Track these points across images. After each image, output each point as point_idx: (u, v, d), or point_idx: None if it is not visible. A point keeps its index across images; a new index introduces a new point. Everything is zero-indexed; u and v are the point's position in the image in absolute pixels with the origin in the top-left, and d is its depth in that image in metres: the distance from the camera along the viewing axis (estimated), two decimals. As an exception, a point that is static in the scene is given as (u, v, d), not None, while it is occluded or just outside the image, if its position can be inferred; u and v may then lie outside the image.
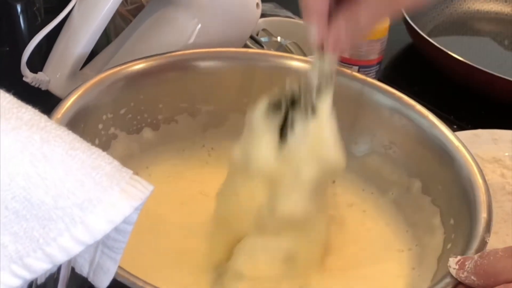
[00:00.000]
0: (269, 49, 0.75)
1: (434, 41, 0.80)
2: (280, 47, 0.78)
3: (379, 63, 0.73)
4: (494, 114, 0.79)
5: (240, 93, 0.61)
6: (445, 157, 0.54)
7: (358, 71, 0.68)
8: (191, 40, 0.62)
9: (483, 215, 0.48)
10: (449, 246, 0.49)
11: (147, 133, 0.59)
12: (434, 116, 0.57)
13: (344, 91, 0.58)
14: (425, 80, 0.85)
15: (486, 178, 0.68)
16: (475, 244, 0.46)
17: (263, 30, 0.78)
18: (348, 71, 0.61)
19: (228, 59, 0.60)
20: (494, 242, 0.60)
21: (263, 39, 0.77)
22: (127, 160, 0.57)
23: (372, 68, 0.72)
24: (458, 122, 0.78)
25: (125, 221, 0.35)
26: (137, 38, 0.64)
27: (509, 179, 0.68)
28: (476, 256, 0.43)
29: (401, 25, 0.85)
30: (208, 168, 0.60)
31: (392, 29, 0.78)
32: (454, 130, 0.73)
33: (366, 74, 0.69)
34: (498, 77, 0.76)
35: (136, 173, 0.55)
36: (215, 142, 0.61)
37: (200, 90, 0.60)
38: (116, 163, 0.34)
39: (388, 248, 0.54)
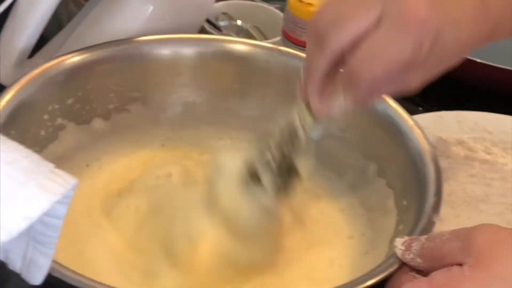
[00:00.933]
0: (228, 33, 0.73)
1: None
2: (241, 31, 0.76)
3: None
4: (462, 96, 0.78)
5: (193, 80, 0.60)
6: (400, 139, 0.53)
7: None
8: (144, 25, 0.61)
9: (432, 195, 0.47)
10: (400, 227, 0.49)
11: (98, 123, 0.58)
12: (390, 98, 0.55)
13: (299, 76, 0.57)
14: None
15: (449, 160, 0.68)
16: (422, 224, 0.45)
17: (223, 13, 0.77)
18: (302, 53, 0.60)
19: (180, 45, 0.59)
20: (455, 225, 0.59)
21: (222, 23, 0.75)
22: (77, 151, 0.56)
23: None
24: (424, 104, 0.77)
25: (52, 215, 0.34)
26: (88, 24, 0.62)
27: (472, 161, 0.68)
28: (423, 238, 0.42)
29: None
30: (162, 158, 0.59)
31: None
32: (419, 112, 0.73)
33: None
34: (466, 59, 0.75)
35: (86, 165, 0.57)
36: (170, 132, 0.60)
37: (152, 79, 0.59)
38: (35, 157, 0.33)
39: (338, 235, 0.53)
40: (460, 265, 0.39)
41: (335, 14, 0.42)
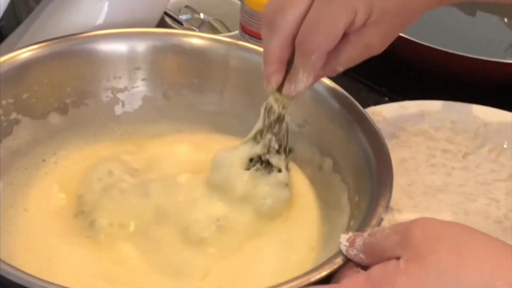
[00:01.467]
0: (190, 27, 0.73)
1: None
2: (203, 24, 0.76)
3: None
4: (429, 86, 0.79)
5: (151, 74, 0.59)
6: (354, 135, 0.53)
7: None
8: (100, 20, 0.61)
9: (383, 191, 0.47)
10: (352, 223, 0.49)
11: (54, 117, 0.57)
12: (346, 93, 0.56)
13: (257, 69, 0.57)
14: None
15: (411, 150, 0.68)
16: (372, 220, 0.45)
17: (186, 7, 0.77)
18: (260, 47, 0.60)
19: (137, 39, 0.59)
20: (413, 216, 0.59)
21: (185, 17, 0.75)
22: (33, 146, 0.56)
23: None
24: (390, 94, 0.77)
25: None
26: (44, 19, 0.62)
27: (434, 151, 0.68)
28: (365, 234, 0.43)
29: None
30: (121, 152, 0.58)
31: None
32: (385, 103, 0.74)
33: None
34: (430, 48, 0.76)
35: (42, 159, 0.56)
36: (128, 126, 0.60)
37: (110, 73, 0.58)
38: None
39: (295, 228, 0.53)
40: (399, 259, 0.40)
41: (280, 1, 0.47)
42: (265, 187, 0.52)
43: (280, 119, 0.52)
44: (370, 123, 0.53)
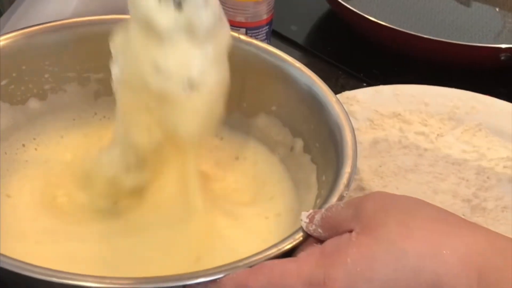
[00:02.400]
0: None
1: (351, 5, 0.82)
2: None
3: (268, 23, 0.72)
4: (406, 71, 0.80)
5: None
6: (322, 115, 0.55)
7: (246, 33, 0.68)
8: (78, 7, 0.62)
9: (347, 170, 0.49)
10: (318, 201, 0.50)
11: (34, 103, 0.59)
12: (316, 76, 0.57)
13: (230, 55, 0.59)
14: (342, 43, 0.86)
15: (385, 133, 0.70)
16: (333, 198, 0.47)
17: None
18: (235, 34, 0.61)
19: (110, 25, 0.60)
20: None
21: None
22: (13, 131, 0.58)
23: (262, 29, 0.72)
24: (368, 80, 0.79)
25: None
26: (25, 7, 0.64)
27: (407, 133, 0.70)
28: (323, 210, 0.44)
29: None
30: (100, 136, 0.60)
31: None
32: (362, 87, 0.75)
33: (256, 36, 0.70)
34: (407, 33, 0.78)
35: (22, 144, 0.58)
36: (107, 110, 0.61)
37: (87, 58, 0.60)
38: None
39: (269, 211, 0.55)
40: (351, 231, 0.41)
41: None
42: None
43: None
44: (336, 102, 0.54)
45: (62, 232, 0.51)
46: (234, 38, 0.60)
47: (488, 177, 0.65)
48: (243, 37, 0.61)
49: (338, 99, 0.55)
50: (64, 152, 0.58)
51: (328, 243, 0.42)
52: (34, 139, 0.59)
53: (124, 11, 0.64)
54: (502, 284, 0.37)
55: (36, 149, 0.58)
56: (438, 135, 0.70)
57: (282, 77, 0.58)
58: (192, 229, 0.51)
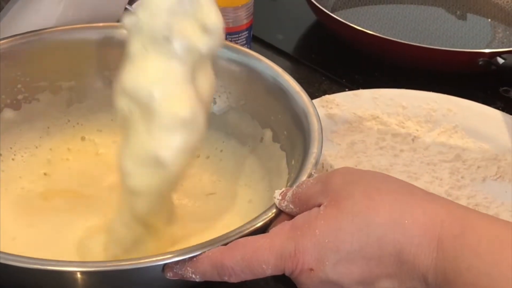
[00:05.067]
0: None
1: (337, 15, 0.84)
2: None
3: (248, 28, 0.74)
4: (387, 77, 0.82)
5: (99, 66, 0.63)
6: (288, 105, 0.56)
7: (226, 38, 0.70)
8: (60, 18, 0.63)
9: (313, 150, 0.50)
10: (289, 184, 0.51)
11: (8, 113, 0.60)
12: (280, 68, 0.59)
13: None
14: (326, 51, 0.88)
15: (362, 134, 0.71)
16: (302, 176, 0.48)
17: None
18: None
19: (86, 33, 0.62)
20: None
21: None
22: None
23: (242, 34, 0.74)
24: (350, 86, 0.80)
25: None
26: (9, 19, 0.65)
27: (384, 135, 0.71)
28: (294, 186, 0.46)
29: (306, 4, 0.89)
30: (74, 143, 0.62)
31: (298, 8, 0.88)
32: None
33: (236, 41, 0.71)
34: (387, 40, 0.79)
35: None
36: (80, 117, 0.63)
37: (59, 67, 0.62)
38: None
39: (240, 198, 0.57)
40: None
41: None
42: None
43: None
44: (301, 91, 0.56)
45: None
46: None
47: (462, 177, 0.66)
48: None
49: (301, 88, 0.56)
50: (43, 158, 0.60)
51: (298, 217, 0.43)
52: (11, 148, 0.60)
53: (104, 20, 0.66)
54: (459, 250, 0.38)
55: (13, 159, 0.60)
56: (415, 136, 0.71)
57: (247, 73, 0.60)
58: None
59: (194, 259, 0.42)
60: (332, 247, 0.40)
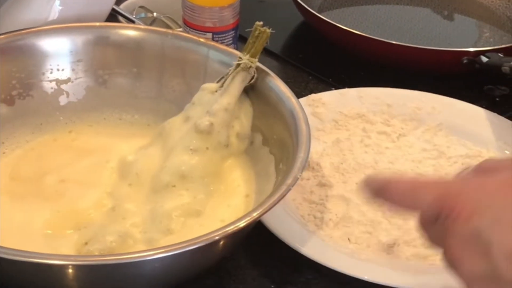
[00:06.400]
0: (139, 23, 0.77)
1: (324, 15, 0.85)
2: (154, 22, 0.81)
3: (235, 28, 0.75)
4: (373, 76, 0.83)
5: (93, 65, 0.64)
6: (279, 109, 0.58)
7: (212, 38, 0.71)
8: (51, 17, 0.64)
9: (300, 154, 0.51)
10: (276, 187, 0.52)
11: (2, 108, 0.61)
12: (272, 72, 0.60)
13: (192, 56, 0.63)
14: (313, 51, 0.88)
15: (348, 132, 0.71)
16: (289, 181, 0.49)
17: (141, 7, 0.81)
18: (194, 36, 0.65)
19: (78, 33, 0.63)
20: (343, 190, 0.63)
21: (138, 16, 0.80)
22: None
23: (228, 34, 0.74)
24: (336, 85, 0.81)
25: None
26: (1, 17, 0.66)
27: (369, 133, 0.71)
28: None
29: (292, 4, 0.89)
30: (67, 140, 0.63)
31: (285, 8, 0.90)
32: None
33: (222, 41, 0.72)
34: (373, 39, 0.80)
35: None
36: (73, 115, 0.64)
37: (53, 65, 0.62)
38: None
39: (238, 194, 0.58)
40: None
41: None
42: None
43: None
44: (292, 97, 0.57)
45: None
46: (193, 40, 0.64)
47: (445, 173, 0.67)
48: (201, 39, 0.64)
49: (292, 92, 0.57)
50: (35, 155, 0.61)
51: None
52: (3, 143, 0.61)
53: (99, 19, 0.67)
54: None
55: (5, 152, 0.60)
56: (400, 134, 0.71)
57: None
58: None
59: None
60: (504, 205, 0.38)
